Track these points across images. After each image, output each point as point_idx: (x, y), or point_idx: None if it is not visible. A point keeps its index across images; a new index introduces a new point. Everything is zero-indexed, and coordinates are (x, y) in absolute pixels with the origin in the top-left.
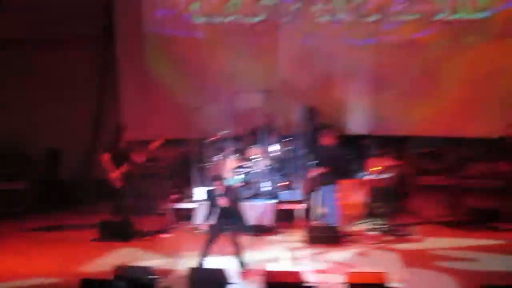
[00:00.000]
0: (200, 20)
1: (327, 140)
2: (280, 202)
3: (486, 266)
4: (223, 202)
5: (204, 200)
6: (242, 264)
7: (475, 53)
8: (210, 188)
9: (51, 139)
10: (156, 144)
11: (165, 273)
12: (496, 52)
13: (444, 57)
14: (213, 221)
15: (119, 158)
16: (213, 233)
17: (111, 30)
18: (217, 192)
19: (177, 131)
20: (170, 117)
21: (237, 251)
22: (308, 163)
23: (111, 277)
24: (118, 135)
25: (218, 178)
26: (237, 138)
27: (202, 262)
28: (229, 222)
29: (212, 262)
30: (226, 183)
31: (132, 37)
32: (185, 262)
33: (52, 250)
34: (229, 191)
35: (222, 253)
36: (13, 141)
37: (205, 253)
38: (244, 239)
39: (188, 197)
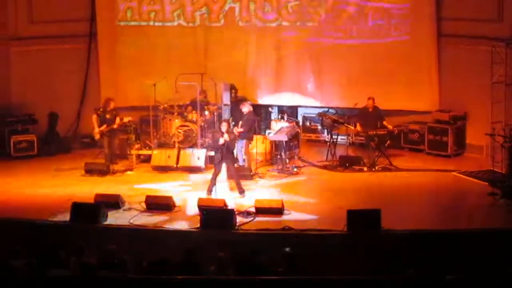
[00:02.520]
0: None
1: (244, 107)
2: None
3: (350, 195)
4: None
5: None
6: (240, 190)
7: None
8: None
9: (52, 106)
10: (127, 118)
11: (129, 198)
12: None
13: (327, 51)
14: (216, 157)
15: (102, 120)
16: (219, 167)
17: (95, 29)
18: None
19: (139, 100)
20: (134, 90)
21: (236, 179)
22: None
23: (93, 201)
24: (105, 104)
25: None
26: (180, 106)
27: (211, 190)
28: (227, 157)
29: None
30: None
31: (108, 32)
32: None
33: (52, 182)
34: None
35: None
36: (25, 107)
37: (213, 183)
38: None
39: (146, 146)
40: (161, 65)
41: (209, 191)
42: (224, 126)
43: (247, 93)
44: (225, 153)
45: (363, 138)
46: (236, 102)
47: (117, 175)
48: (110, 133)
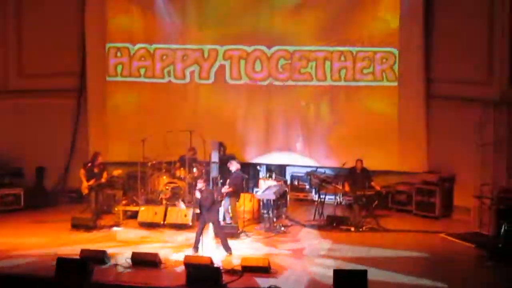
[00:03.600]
0: (148, 80)
1: (232, 166)
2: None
3: (336, 255)
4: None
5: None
6: (226, 248)
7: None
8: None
9: (39, 159)
10: (117, 172)
11: (115, 254)
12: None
13: (317, 111)
14: (200, 215)
15: (90, 174)
16: (201, 225)
17: (84, 84)
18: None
19: (128, 155)
20: (122, 145)
21: (222, 238)
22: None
23: (79, 256)
24: (93, 158)
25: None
26: (168, 163)
27: (197, 247)
28: (208, 214)
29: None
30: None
31: (97, 87)
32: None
33: (37, 238)
34: (211, 192)
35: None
36: (12, 160)
37: (197, 240)
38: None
39: (134, 202)
40: (151, 121)
41: (195, 247)
42: (199, 184)
43: (236, 151)
44: (206, 210)
45: (351, 198)
46: (225, 160)
47: (104, 230)
48: (98, 188)
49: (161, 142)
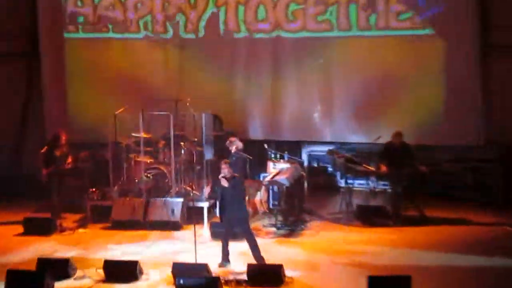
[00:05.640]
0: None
1: (231, 146)
2: (189, 200)
3: (373, 259)
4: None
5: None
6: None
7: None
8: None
9: None
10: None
11: (82, 264)
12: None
13: (339, 69)
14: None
15: (50, 158)
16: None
17: (37, 43)
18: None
19: (94, 134)
20: (87, 121)
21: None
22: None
23: (34, 268)
24: (54, 138)
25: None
26: (148, 143)
27: (227, 259)
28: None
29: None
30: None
31: (53, 47)
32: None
33: None
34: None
35: None
36: None
37: (226, 251)
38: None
39: (105, 195)
40: (123, 90)
41: (226, 260)
42: (223, 169)
43: (235, 125)
44: (232, 206)
45: (387, 183)
46: (222, 137)
47: (67, 233)
48: (60, 177)
49: (138, 116)
